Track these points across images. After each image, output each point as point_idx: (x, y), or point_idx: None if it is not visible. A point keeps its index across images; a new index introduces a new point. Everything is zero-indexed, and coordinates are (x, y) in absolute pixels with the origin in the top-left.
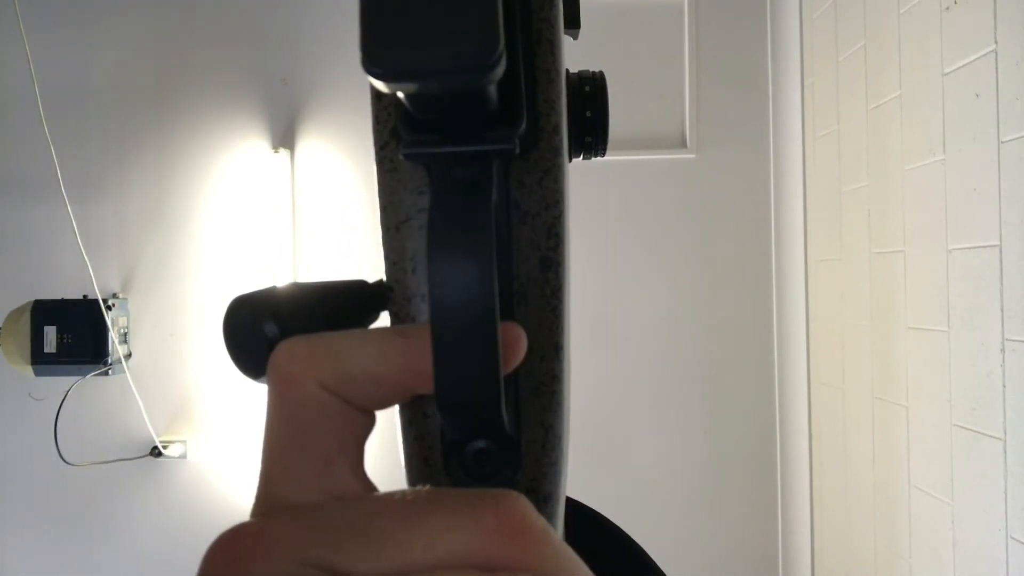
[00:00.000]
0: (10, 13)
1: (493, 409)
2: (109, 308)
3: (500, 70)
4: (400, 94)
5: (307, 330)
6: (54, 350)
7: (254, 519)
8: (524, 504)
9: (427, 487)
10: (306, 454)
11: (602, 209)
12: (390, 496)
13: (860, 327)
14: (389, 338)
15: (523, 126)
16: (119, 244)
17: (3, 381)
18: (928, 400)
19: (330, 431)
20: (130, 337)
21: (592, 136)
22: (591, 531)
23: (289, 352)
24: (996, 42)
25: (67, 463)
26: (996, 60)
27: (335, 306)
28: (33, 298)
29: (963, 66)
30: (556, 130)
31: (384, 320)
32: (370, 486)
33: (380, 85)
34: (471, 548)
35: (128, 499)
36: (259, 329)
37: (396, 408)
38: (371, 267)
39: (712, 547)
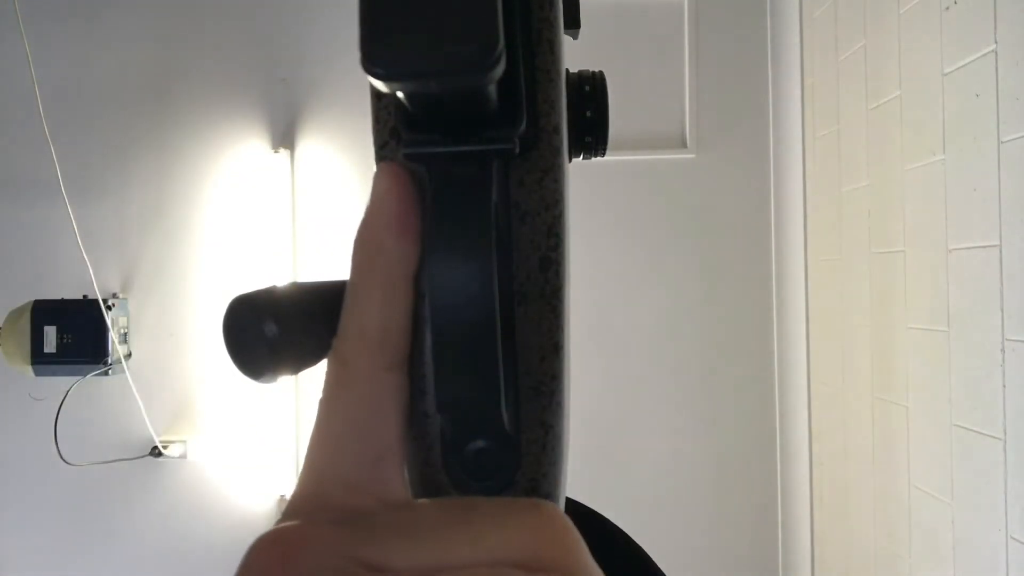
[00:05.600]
0: (10, 13)
1: (493, 409)
2: (109, 308)
3: (500, 70)
4: (400, 94)
5: (307, 330)
6: (54, 350)
7: (300, 520)
8: (562, 512)
9: (469, 498)
10: (360, 448)
11: (602, 209)
12: (433, 502)
13: (860, 327)
14: (358, 281)
15: (523, 126)
16: (119, 244)
17: (3, 381)
18: (928, 400)
19: (385, 421)
20: (130, 337)
21: (592, 136)
22: (591, 531)
23: (348, 341)
24: (996, 42)
25: (67, 463)
26: (996, 60)
27: (335, 305)
28: (33, 298)
29: (963, 66)
30: (556, 130)
31: None
32: (409, 493)
33: (380, 85)
34: (513, 546)
35: (128, 499)
36: (259, 329)
37: None
38: None
39: (712, 547)
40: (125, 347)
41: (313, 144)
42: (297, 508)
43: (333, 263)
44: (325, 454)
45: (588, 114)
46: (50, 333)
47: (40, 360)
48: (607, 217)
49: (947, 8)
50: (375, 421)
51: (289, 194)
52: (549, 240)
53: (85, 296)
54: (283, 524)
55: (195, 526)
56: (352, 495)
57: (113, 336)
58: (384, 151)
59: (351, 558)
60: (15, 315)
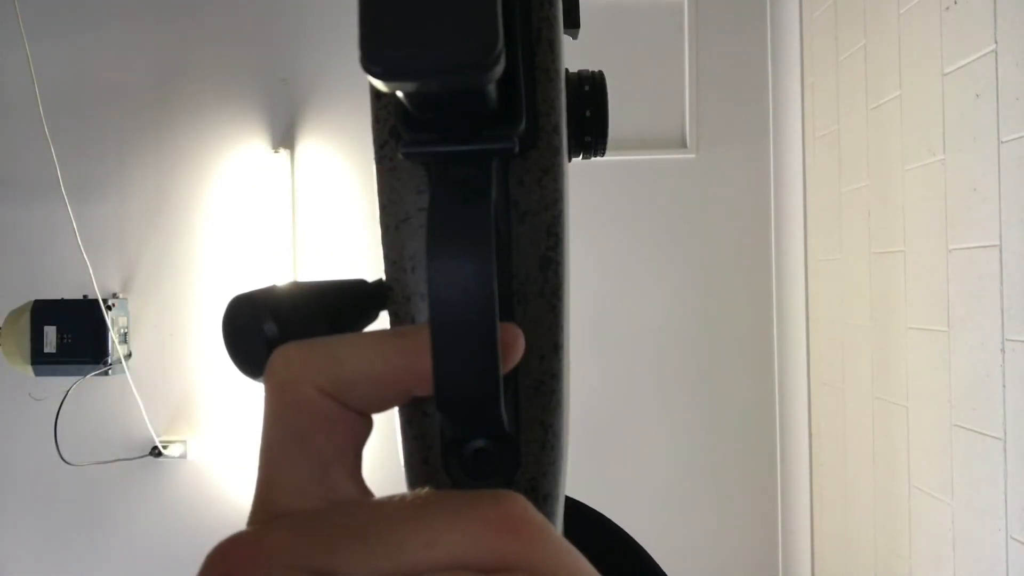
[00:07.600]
0: (10, 13)
1: (492, 408)
2: (109, 308)
3: (499, 69)
4: (399, 93)
5: (307, 329)
6: (54, 350)
7: (251, 527)
8: (523, 501)
9: (427, 489)
10: (304, 460)
11: (602, 209)
12: (389, 499)
13: (860, 327)
14: (387, 340)
15: (522, 125)
16: (119, 244)
17: (3, 381)
18: (928, 400)
19: (328, 436)
20: (130, 337)
21: (592, 135)
22: (591, 530)
23: (285, 358)
24: (996, 42)
25: (67, 463)
26: (996, 60)
27: (335, 305)
28: (33, 298)
29: (963, 66)
30: (556, 129)
31: (384, 319)
32: (368, 492)
33: (379, 84)
34: (471, 545)
35: (128, 499)
36: (259, 328)
37: (395, 408)
38: (371, 266)
39: (712, 547)
40: (125, 347)
41: (313, 144)
42: (253, 514)
43: (333, 263)
44: (272, 460)
45: (588, 113)
46: (50, 333)
47: (40, 360)
48: (607, 217)
49: (947, 8)
50: (316, 433)
51: (289, 194)
52: (548, 239)
53: (85, 296)
54: (237, 533)
55: (195, 526)
56: (302, 499)
57: (113, 336)
58: (384, 151)
59: (302, 567)
60: (15, 315)
